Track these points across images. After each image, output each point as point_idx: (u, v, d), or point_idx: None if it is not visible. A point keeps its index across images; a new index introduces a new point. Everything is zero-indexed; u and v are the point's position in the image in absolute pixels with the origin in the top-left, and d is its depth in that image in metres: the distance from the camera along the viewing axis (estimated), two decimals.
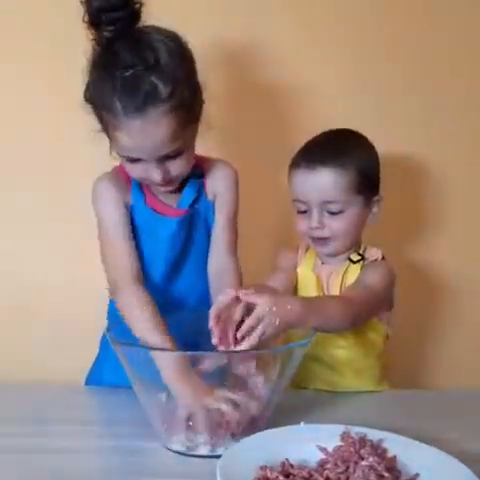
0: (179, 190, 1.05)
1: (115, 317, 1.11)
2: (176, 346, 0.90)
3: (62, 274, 1.37)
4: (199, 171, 1.07)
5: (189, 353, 0.83)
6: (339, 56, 1.36)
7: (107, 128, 0.92)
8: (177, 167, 0.96)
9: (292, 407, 0.95)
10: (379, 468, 0.73)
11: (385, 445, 0.80)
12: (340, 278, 1.11)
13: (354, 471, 0.73)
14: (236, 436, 0.84)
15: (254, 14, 1.33)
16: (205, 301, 1.07)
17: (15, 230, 1.38)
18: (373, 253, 1.12)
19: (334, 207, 1.06)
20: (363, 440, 0.79)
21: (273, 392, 0.87)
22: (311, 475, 0.73)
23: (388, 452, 0.78)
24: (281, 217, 1.32)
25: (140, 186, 1.04)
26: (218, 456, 0.79)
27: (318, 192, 1.06)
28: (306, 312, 0.88)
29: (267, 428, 0.84)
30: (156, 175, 0.94)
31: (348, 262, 1.12)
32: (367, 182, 1.08)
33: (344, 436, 0.80)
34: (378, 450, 0.78)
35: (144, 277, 1.03)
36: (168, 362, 0.84)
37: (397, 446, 0.79)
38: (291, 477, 0.73)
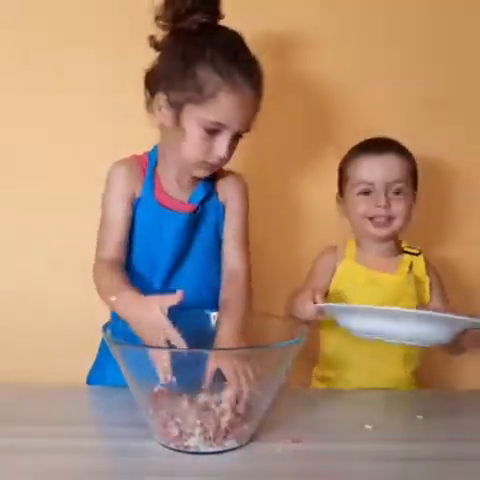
0: (191, 188, 1.11)
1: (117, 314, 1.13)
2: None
3: (63, 273, 1.38)
4: (212, 175, 1.11)
5: (186, 351, 0.83)
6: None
7: (213, 93, 0.99)
8: (230, 150, 1.05)
9: (298, 405, 0.96)
10: None
11: None
12: (406, 269, 1.21)
13: None
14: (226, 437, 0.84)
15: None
16: (206, 297, 1.09)
17: (16, 230, 1.38)
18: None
19: (398, 187, 1.18)
20: None
21: (266, 390, 0.87)
22: None
23: None
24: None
25: (153, 180, 1.09)
26: (216, 453, 0.80)
27: (386, 172, 1.18)
28: None
29: (260, 428, 0.85)
30: (224, 148, 1.02)
31: (403, 254, 1.23)
32: (415, 174, 1.23)
33: None
34: None
35: (147, 271, 1.09)
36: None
37: None
38: None
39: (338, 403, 1.04)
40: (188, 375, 0.86)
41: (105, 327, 0.90)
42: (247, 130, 1.05)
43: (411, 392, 1.16)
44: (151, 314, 0.87)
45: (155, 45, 1.05)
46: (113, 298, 0.94)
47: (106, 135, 1.34)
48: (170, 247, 1.09)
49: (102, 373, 1.16)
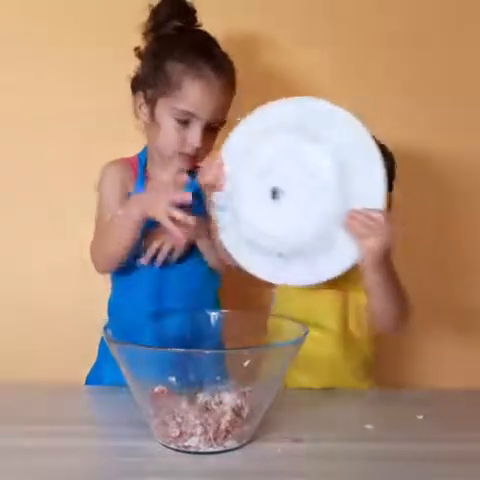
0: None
1: (115, 314, 1.13)
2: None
3: (63, 274, 1.38)
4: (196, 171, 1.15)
5: (184, 351, 0.83)
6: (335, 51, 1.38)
7: (179, 82, 1.06)
8: (207, 142, 1.10)
9: (298, 405, 0.97)
10: None
11: None
12: None
13: None
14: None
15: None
16: (198, 288, 1.13)
17: (17, 230, 1.38)
18: None
19: None
20: None
21: (266, 390, 0.87)
22: None
23: None
24: None
25: (144, 179, 1.15)
26: (217, 453, 0.80)
27: None
28: None
29: (260, 428, 0.85)
30: (196, 137, 1.07)
31: None
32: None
33: None
34: None
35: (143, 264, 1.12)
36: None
37: None
38: None
39: (338, 403, 1.04)
40: (188, 375, 0.86)
41: (105, 327, 0.90)
42: (220, 122, 1.10)
43: (411, 392, 1.16)
44: (159, 185, 1.04)
45: (139, 55, 1.13)
46: (120, 211, 1.04)
47: (106, 135, 1.34)
48: None
49: (101, 373, 1.17)
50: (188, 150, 1.09)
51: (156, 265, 1.09)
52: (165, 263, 1.10)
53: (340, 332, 1.11)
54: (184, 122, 1.07)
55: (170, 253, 1.09)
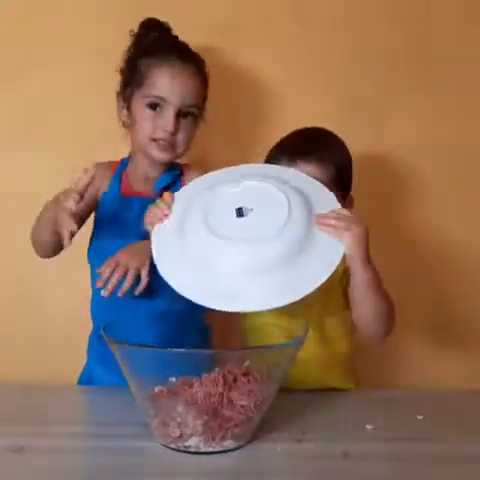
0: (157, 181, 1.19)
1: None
2: None
3: (62, 275, 1.38)
4: (180, 168, 1.23)
5: (184, 351, 0.83)
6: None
7: (147, 71, 1.14)
8: (182, 130, 1.15)
9: (298, 405, 0.98)
10: None
11: None
12: None
13: None
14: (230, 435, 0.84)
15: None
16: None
17: (15, 230, 1.38)
18: None
19: None
20: None
21: (266, 390, 0.86)
22: None
23: None
24: None
25: (120, 178, 1.20)
26: (216, 453, 0.81)
27: None
28: None
29: (260, 428, 0.86)
30: (168, 121, 1.13)
31: None
32: (343, 179, 1.12)
33: None
34: None
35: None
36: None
37: None
38: None
39: (338, 403, 1.05)
40: (188, 375, 0.86)
41: (105, 328, 0.90)
42: (194, 108, 1.15)
43: (411, 392, 1.16)
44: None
45: (121, 72, 1.21)
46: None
47: (107, 136, 1.34)
48: (137, 229, 1.09)
49: (90, 374, 1.19)
50: (162, 135, 1.14)
51: (120, 295, 1.00)
52: (131, 293, 1.02)
53: (316, 333, 1.10)
54: (156, 107, 1.13)
55: (137, 280, 1.02)
